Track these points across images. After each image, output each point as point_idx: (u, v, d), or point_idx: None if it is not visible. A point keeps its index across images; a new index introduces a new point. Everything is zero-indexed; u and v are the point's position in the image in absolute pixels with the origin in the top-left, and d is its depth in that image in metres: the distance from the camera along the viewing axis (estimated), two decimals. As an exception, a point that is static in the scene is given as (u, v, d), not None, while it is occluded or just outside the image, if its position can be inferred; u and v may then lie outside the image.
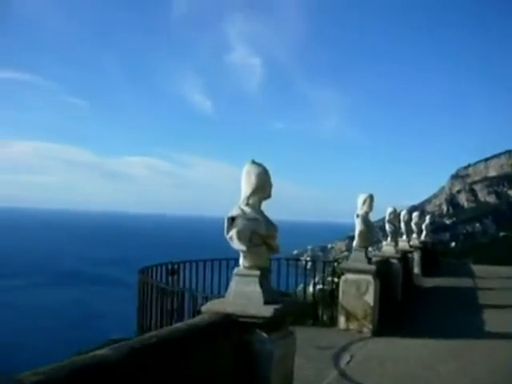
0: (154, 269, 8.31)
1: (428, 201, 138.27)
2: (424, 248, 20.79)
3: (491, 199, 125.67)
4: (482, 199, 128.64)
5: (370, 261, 9.80)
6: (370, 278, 9.54)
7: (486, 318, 11.19)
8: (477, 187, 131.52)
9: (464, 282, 17.93)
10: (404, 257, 14.57)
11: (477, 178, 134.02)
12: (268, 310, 4.42)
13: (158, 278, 8.21)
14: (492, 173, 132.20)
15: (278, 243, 4.82)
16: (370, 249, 10.51)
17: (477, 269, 23.44)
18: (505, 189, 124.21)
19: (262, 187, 4.73)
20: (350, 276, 9.65)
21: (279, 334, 4.63)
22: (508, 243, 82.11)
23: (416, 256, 18.61)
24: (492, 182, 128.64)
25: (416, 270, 18.47)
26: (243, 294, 4.64)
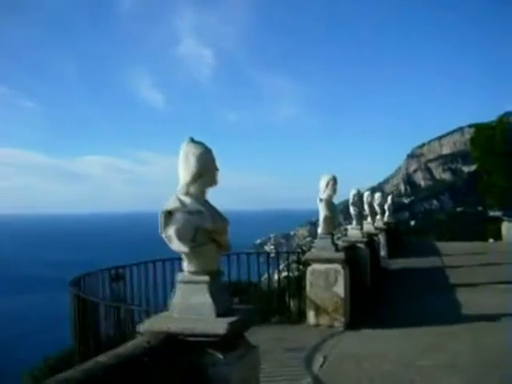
0: (94, 276, 7.20)
1: (386, 181, 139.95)
2: (388, 229, 20.23)
3: (447, 176, 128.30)
4: (437, 177, 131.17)
5: (337, 248, 8.97)
6: (338, 266, 8.71)
7: (462, 299, 10.53)
8: (432, 165, 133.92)
9: (432, 262, 17.39)
10: (370, 240, 13.86)
11: (432, 157, 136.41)
12: (221, 326, 3.48)
13: (101, 287, 7.16)
14: (446, 150, 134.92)
15: (229, 240, 3.89)
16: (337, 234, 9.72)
17: (441, 246, 23.12)
18: (459, 165, 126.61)
19: (206, 171, 3.78)
20: (316, 266, 8.79)
21: (237, 352, 3.69)
22: (465, 218, 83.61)
23: (382, 238, 17.98)
24: (446, 160, 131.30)
25: (382, 252, 17.84)
26: (190, 307, 3.70)
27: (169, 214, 3.67)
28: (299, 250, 10.63)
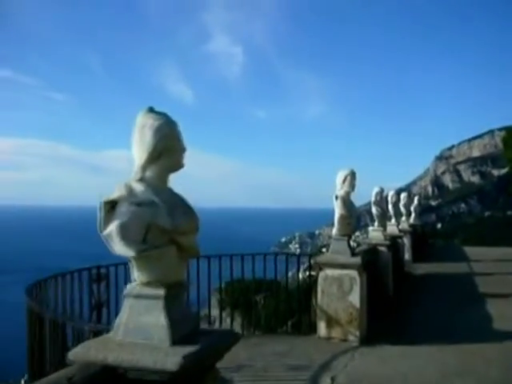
0: (70, 276, 6.21)
1: (413, 183, 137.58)
2: (414, 231, 19.09)
3: (475, 179, 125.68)
4: (466, 180, 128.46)
5: (353, 252, 7.94)
6: (354, 273, 7.68)
7: (494, 312, 9.41)
8: (461, 168, 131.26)
9: (459, 267, 16.18)
10: (394, 243, 12.77)
11: (461, 159, 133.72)
12: (173, 360, 2.54)
13: (77, 291, 6.21)
14: (476, 153, 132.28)
15: (195, 242, 2.95)
16: (357, 234, 8.68)
17: (469, 251, 21.78)
18: (489, 168, 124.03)
19: (167, 150, 2.85)
20: (329, 272, 7.78)
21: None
22: (493, 223, 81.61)
23: (406, 241, 16.82)
24: (476, 163, 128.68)
25: (407, 256, 16.71)
26: (139, 330, 2.77)
27: (111, 206, 2.74)
28: (311, 254, 9.52)
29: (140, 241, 2.70)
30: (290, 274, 9.99)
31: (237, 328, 8.59)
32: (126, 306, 2.86)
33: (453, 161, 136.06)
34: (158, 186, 2.83)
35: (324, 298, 7.76)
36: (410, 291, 12.28)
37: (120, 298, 6.65)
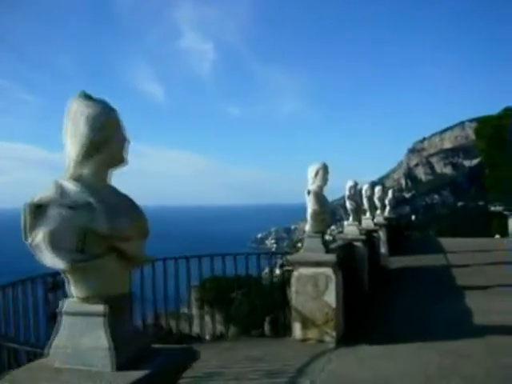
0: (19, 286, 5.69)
1: (387, 176, 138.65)
2: (389, 224, 18.89)
3: (448, 171, 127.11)
4: (438, 171, 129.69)
5: (328, 248, 7.59)
6: (329, 271, 7.33)
7: (474, 305, 9.16)
8: (433, 160, 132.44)
9: (436, 260, 16.03)
10: (369, 237, 12.50)
11: (432, 151, 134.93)
12: (116, 389, 2.16)
13: (31, 300, 5.73)
14: (447, 145, 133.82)
15: (140, 249, 2.55)
16: (333, 227, 8.33)
17: (445, 242, 21.74)
18: (460, 160, 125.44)
19: (105, 143, 2.44)
20: (303, 271, 7.42)
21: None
22: (466, 213, 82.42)
23: (382, 234, 16.60)
24: (448, 154, 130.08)
25: (382, 249, 16.47)
26: (78, 353, 2.37)
27: (39, 210, 2.33)
28: (283, 252, 9.17)
29: (73, 250, 2.29)
30: (266, 270, 9.70)
31: (215, 325, 8.26)
32: (63, 325, 2.45)
33: (425, 153, 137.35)
34: (96, 184, 2.43)
35: (298, 297, 7.40)
36: (386, 286, 12.03)
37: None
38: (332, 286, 7.26)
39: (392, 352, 6.83)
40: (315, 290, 7.29)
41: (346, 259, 8.79)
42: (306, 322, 7.32)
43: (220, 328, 9.23)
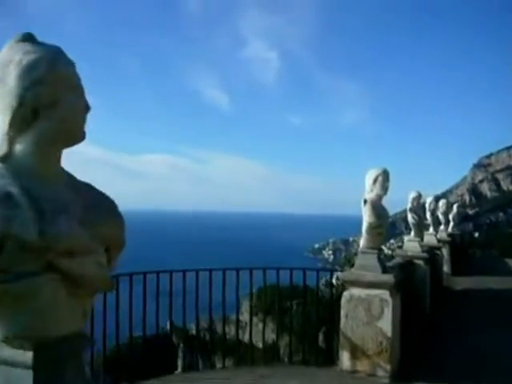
0: None
1: (450, 191, 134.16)
2: (453, 242, 17.49)
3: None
4: (505, 188, 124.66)
5: (385, 268, 6.55)
6: (386, 294, 6.29)
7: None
8: (499, 176, 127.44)
9: (505, 282, 14.53)
10: (432, 254, 11.29)
11: (499, 167, 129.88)
12: None
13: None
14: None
15: (102, 268, 1.69)
16: (392, 241, 7.29)
17: (512, 263, 20.07)
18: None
19: (50, 103, 1.60)
20: (355, 291, 6.42)
21: None
22: (534, 233, 78.64)
23: (445, 252, 15.28)
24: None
25: (445, 268, 15.16)
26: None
27: None
28: (331, 269, 8.16)
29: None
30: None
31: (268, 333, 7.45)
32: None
33: (491, 169, 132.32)
34: (32, 168, 1.60)
35: (348, 322, 6.40)
36: (449, 310, 10.78)
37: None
38: (388, 312, 6.23)
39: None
40: (368, 314, 6.27)
41: (406, 279, 7.71)
42: (356, 351, 6.31)
43: (272, 336, 8.81)
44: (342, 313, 6.44)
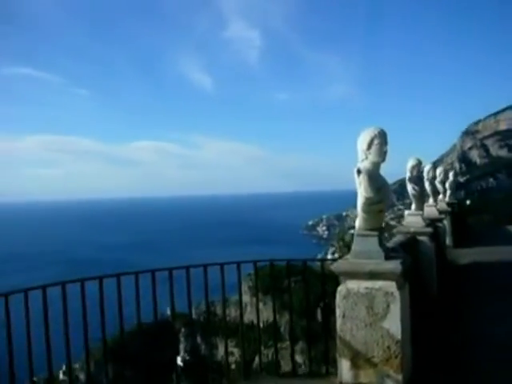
0: None
1: (440, 160, 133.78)
2: (452, 211, 16.33)
3: (503, 153, 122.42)
4: (494, 154, 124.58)
5: (388, 253, 5.21)
6: (391, 286, 4.97)
7: None
8: (488, 142, 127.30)
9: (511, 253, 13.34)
10: (435, 229, 9.99)
11: (488, 133, 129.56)
12: None
13: None
14: (502, 127, 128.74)
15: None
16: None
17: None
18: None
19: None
20: (353, 285, 5.10)
21: None
22: (525, 197, 78.63)
23: (446, 223, 14.07)
24: (503, 136, 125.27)
25: (447, 240, 13.94)
26: None
27: None
28: (322, 258, 6.83)
29: None
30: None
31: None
32: None
33: (480, 135, 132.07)
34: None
35: (346, 323, 5.10)
36: (459, 289, 9.54)
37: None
38: (395, 308, 4.92)
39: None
40: (370, 313, 4.98)
41: (412, 263, 6.42)
42: (357, 359, 5.02)
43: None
44: (338, 312, 5.12)
